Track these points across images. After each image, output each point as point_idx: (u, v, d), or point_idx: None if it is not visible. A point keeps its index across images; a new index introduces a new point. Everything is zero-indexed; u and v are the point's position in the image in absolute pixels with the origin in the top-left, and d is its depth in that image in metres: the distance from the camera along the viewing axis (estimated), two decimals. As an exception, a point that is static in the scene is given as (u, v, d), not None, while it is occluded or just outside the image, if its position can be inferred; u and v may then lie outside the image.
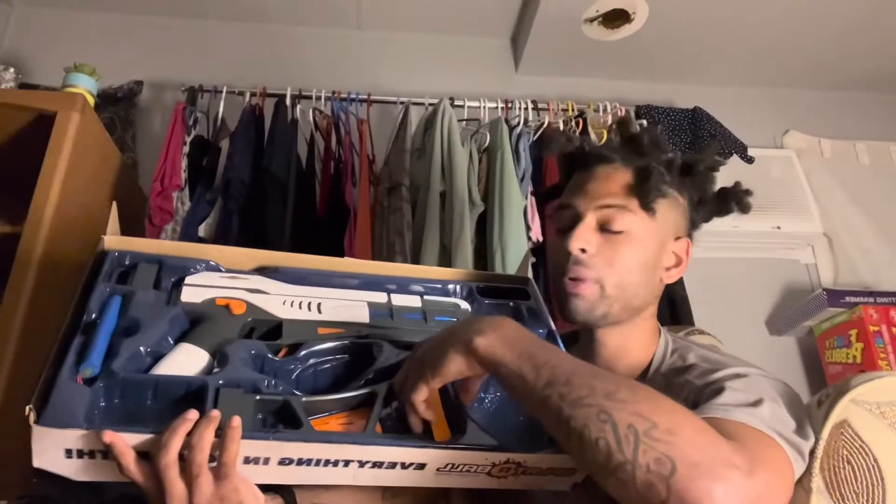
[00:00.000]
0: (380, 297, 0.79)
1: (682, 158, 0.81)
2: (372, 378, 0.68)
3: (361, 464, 0.60)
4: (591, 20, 1.97)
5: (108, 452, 0.55)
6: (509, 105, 1.85)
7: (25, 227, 1.19)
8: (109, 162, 1.49)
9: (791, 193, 2.04)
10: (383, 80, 2.07)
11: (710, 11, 1.93)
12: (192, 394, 0.61)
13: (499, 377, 0.59)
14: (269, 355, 0.67)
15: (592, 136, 1.82)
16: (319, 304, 0.75)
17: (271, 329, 0.72)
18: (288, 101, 1.75)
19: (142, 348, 0.63)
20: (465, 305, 0.84)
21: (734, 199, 0.83)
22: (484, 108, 1.85)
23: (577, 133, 1.80)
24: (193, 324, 0.69)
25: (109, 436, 0.54)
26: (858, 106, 2.35)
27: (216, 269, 0.77)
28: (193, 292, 0.71)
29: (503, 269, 1.50)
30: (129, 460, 0.55)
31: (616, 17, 1.96)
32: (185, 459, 0.55)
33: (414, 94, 1.85)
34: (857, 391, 0.67)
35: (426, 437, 0.63)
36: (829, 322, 1.78)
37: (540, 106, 1.87)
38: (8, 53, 1.99)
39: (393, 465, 0.61)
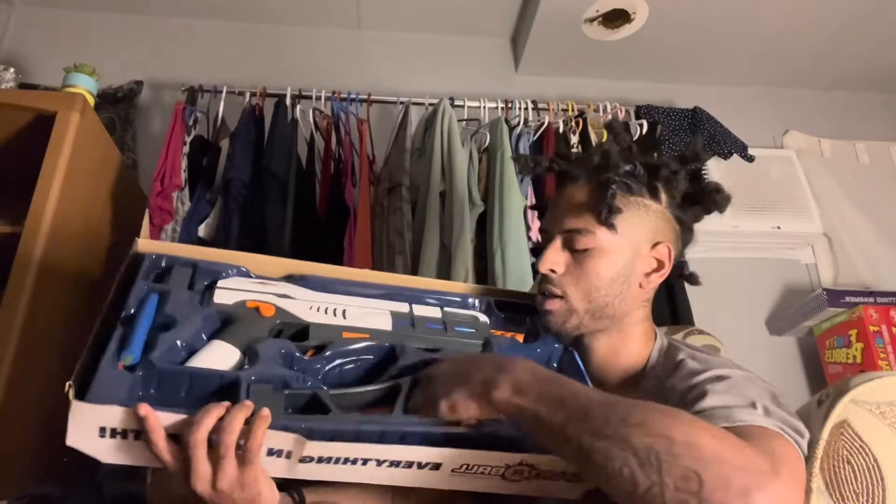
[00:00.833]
0: (401, 307, 0.82)
1: (643, 166, 0.82)
2: (396, 374, 0.71)
3: (379, 462, 0.61)
4: (591, 20, 1.97)
5: (140, 433, 0.56)
6: (509, 105, 1.85)
7: (25, 227, 1.19)
8: (109, 162, 1.49)
9: (791, 193, 2.04)
10: (383, 80, 2.07)
11: (710, 11, 1.93)
12: (224, 387, 0.63)
13: (519, 423, 0.61)
14: (297, 354, 0.70)
15: (592, 136, 1.82)
16: (345, 311, 0.78)
17: (298, 332, 0.74)
18: (288, 101, 1.75)
19: (178, 342, 0.66)
20: (483, 318, 0.86)
21: (707, 199, 0.84)
22: (484, 108, 1.85)
23: (577, 133, 1.81)
24: (224, 324, 0.72)
25: (145, 409, 0.55)
26: (858, 106, 2.35)
27: (246, 274, 0.80)
28: (225, 294, 0.74)
29: (503, 269, 1.50)
30: (160, 437, 0.56)
31: (616, 17, 1.96)
32: (212, 443, 0.56)
33: (414, 94, 1.85)
34: (857, 391, 0.67)
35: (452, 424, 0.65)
36: (829, 322, 1.78)
37: (540, 106, 1.87)
38: (8, 53, 1.99)
39: (409, 465, 0.62)
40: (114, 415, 0.56)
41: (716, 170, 2.01)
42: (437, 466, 0.63)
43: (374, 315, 0.79)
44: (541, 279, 0.84)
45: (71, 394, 0.56)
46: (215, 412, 0.57)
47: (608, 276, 0.80)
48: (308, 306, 0.76)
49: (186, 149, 1.64)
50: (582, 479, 0.67)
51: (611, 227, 0.78)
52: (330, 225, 1.63)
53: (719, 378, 0.68)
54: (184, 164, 1.61)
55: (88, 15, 2.10)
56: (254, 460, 0.57)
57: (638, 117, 1.93)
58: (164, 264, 0.77)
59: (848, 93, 2.37)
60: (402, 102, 1.83)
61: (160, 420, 0.56)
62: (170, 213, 1.55)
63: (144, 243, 0.76)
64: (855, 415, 0.66)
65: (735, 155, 1.95)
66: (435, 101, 1.80)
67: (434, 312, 0.83)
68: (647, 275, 0.82)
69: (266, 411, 0.57)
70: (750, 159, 1.95)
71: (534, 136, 1.80)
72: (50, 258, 1.21)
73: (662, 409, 0.56)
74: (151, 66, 2.02)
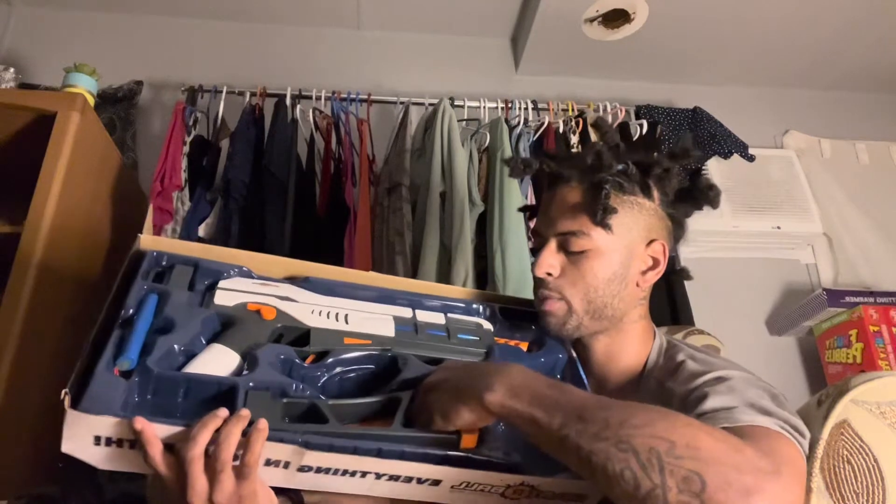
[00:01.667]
0: (405, 312, 0.81)
1: (636, 164, 0.82)
2: (397, 388, 0.70)
3: (378, 476, 0.61)
4: (591, 20, 1.97)
5: (135, 442, 0.56)
6: (509, 105, 1.85)
7: (25, 227, 1.19)
8: (109, 162, 1.49)
9: (791, 193, 2.04)
10: (383, 80, 2.07)
11: (710, 11, 1.93)
12: (222, 394, 0.62)
13: (515, 426, 0.61)
14: (297, 360, 0.69)
15: (592, 136, 1.82)
16: (347, 315, 0.77)
17: (299, 336, 0.73)
18: (288, 101, 1.75)
19: (176, 346, 0.65)
20: (487, 325, 0.85)
21: (699, 195, 0.85)
22: (484, 108, 1.85)
23: (577, 133, 1.81)
24: (225, 326, 0.71)
25: (140, 422, 0.55)
26: (858, 106, 2.35)
27: (248, 274, 0.79)
28: (226, 296, 0.73)
29: (503, 269, 1.50)
30: (156, 450, 0.56)
31: (616, 17, 1.96)
32: (210, 455, 0.56)
33: (414, 94, 1.85)
34: (857, 391, 0.67)
35: (453, 440, 0.64)
36: (829, 322, 1.78)
37: (540, 106, 1.87)
38: (8, 53, 1.99)
39: (409, 480, 0.62)
40: (108, 425, 0.55)
41: (716, 170, 2.01)
42: (436, 483, 0.62)
43: (376, 320, 0.78)
44: (537, 283, 0.83)
45: (66, 402, 0.55)
46: (211, 425, 0.56)
47: (605, 277, 0.80)
48: (310, 310, 0.75)
49: (186, 149, 1.64)
50: (581, 499, 0.67)
51: (606, 227, 0.78)
52: (330, 225, 1.63)
53: (719, 380, 0.68)
54: (184, 164, 1.61)
55: (88, 15, 2.10)
56: (251, 474, 0.56)
57: (638, 117, 1.92)
58: (164, 262, 0.76)
59: (848, 93, 2.37)
60: (402, 102, 1.83)
61: (156, 432, 0.56)
62: (170, 213, 1.55)
63: (147, 239, 0.75)
64: (855, 415, 0.66)
65: (735, 155, 1.95)
66: (435, 101, 1.79)
67: (437, 318, 0.82)
68: (643, 273, 0.82)
69: (263, 423, 0.56)
70: (750, 159, 1.95)
71: (534, 136, 1.80)
72: (50, 258, 1.21)
73: (662, 412, 0.55)
74: (151, 66, 2.02)
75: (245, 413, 0.57)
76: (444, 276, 1.55)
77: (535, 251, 0.84)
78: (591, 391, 0.78)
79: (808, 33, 2.05)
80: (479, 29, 2.22)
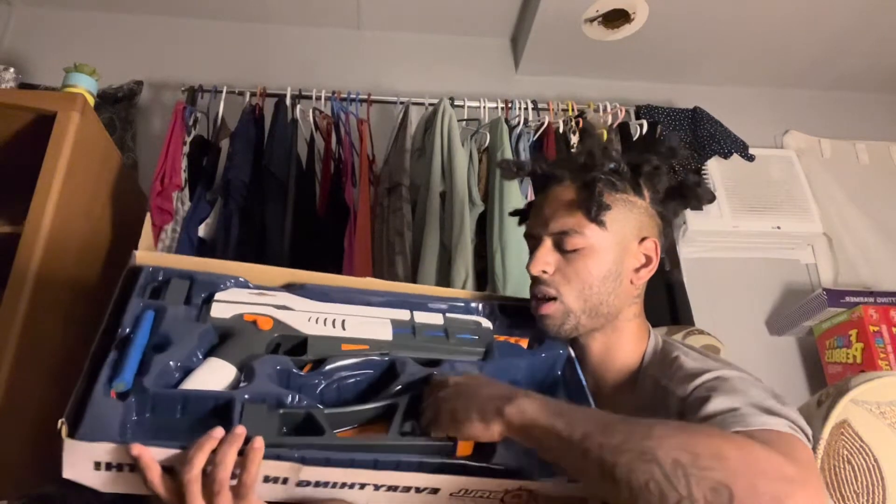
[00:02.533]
0: (402, 315, 0.81)
1: (627, 163, 0.83)
2: (395, 393, 0.70)
3: (377, 487, 0.61)
4: (591, 20, 1.97)
5: (134, 465, 0.56)
6: (509, 105, 1.85)
7: (25, 227, 1.19)
8: (109, 162, 1.49)
9: (791, 193, 2.04)
10: (383, 80, 2.07)
11: (710, 11, 1.93)
12: (219, 408, 0.62)
13: (535, 438, 0.60)
14: (294, 370, 0.69)
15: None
16: (343, 321, 0.77)
17: (297, 345, 0.74)
18: (288, 101, 1.75)
19: (172, 363, 0.65)
20: (486, 323, 0.85)
21: (687, 192, 0.85)
22: (484, 108, 1.85)
23: (577, 133, 1.81)
24: (222, 338, 0.71)
25: (137, 449, 0.55)
26: (858, 106, 2.35)
27: (245, 285, 0.79)
28: (223, 308, 0.73)
29: (503, 269, 1.50)
30: (155, 474, 0.56)
31: (616, 17, 1.96)
32: (207, 476, 0.56)
33: (414, 94, 1.85)
34: (857, 391, 0.67)
35: (449, 447, 0.65)
36: (829, 322, 1.78)
37: (540, 106, 1.87)
38: (8, 53, 1.99)
39: (407, 489, 0.62)
40: (106, 451, 0.56)
41: (716, 170, 2.01)
42: (435, 491, 0.63)
43: (373, 324, 0.78)
44: (532, 282, 0.84)
45: (64, 431, 0.55)
46: (207, 447, 0.56)
47: (600, 274, 0.80)
48: (307, 317, 0.76)
49: (186, 149, 1.64)
50: None
51: (601, 223, 0.79)
52: (330, 225, 1.63)
53: (719, 380, 0.68)
54: (184, 164, 1.61)
55: (88, 15, 2.10)
56: (249, 494, 0.57)
57: (638, 117, 1.92)
58: (160, 277, 0.76)
59: (848, 93, 2.37)
60: (402, 102, 1.83)
61: (154, 456, 0.56)
62: (170, 213, 1.55)
63: (142, 255, 0.76)
64: (855, 415, 0.66)
65: (735, 155, 1.95)
66: (435, 101, 1.79)
67: (436, 319, 0.82)
68: (637, 270, 0.83)
69: (259, 442, 0.56)
70: (750, 159, 1.95)
71: (534, 136, 1.80)
72: (50, 258, 1.21)
73: (683, 425, 0.57)
74: (151, 66, 2.02)
75: (240, 431, 0.57)
76: (444, 276, 1.55)
77: (531, 252, 0.85)
78: (588, 390, 0.79)
79: (808, 33, 2.05)
80: (479, 29, 2.22)
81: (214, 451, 0.56)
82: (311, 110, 1.76)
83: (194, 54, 2.08)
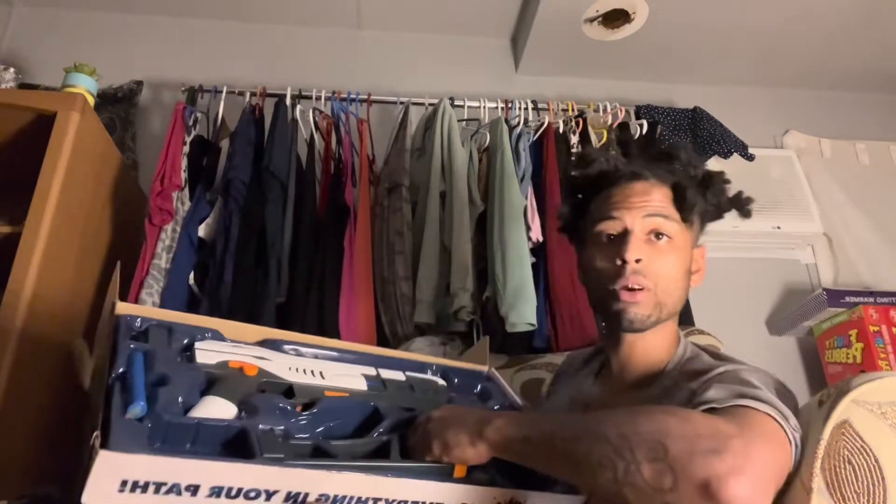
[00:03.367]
0: (369, 371, 0.87)
1: (701, 173, 0.86)
2: (383, 433, 0.74)
3: (388, 502, 0.64)
4: (591, 20, 1.97)
5: (161, 486, 0.55)
6: (509, 105, 1.85)
7: (25, 227, 1.19)
8: (109, 162, 1.49)
9: (791, 193, 2.04)
10: (383, 80, 2.07)
11: (710, 12, 1.93)
12: (231, 438, 0.63)
13: (514, 451, 0.67)
14: (290, 408, 0.72)
15: (592, 136, 1.82)
16: (321, 372, 0.81)
17: (282, 392, 0.76)
18: (288, 101, 1.75)
19: (178, 397, 0.66)
20: (441, 382, 0.93)
21: (738, 207, 0.89)
22: (484, 108, 1.85)
23: (577, 133, 1.81)
24: (210, 384, 0.72)
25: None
26: (858, 106, 2.35)
27: (221, 338, 0.81)
28: (207, 355, 0.75)
29: (503, 269, 1.50)
30: None
31: (616, 17, 1.96)
32: None
33: (414, 94, 1.85)
34: (858, 391, 0.67)
35: (448, 468, 0.70)
36: (829, 322, 1.78)
37: (540, 106, 1.87)
38: (8, 53, 1.99)
39: None
40: (141, 466, 0.54)
41: (716, 170, 2.00)
42: None
43: (348, 377, 0.82)
44: (619, 271, 0.80)
45: (97, 443, 0.53)
46: None
47: (682, 270, 0.82)
48: (287, 367, 0.78)
49: (186, 149, 1.64)
50: None
51: (690, 223, 0.82)
52: (330, 225, 1.63)
53: (724, 373, 0.71)
54: (184, 164, 1.61)
55: (88, 15, 2.10)
56: None
57: (638, 117, 1.92)
58: (138, 325, 0.77)
59: (848, 93, 2.37)
60: (402, 102, 1.83)
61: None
62: (170, 213, 1.55)
63: (122, 306, 0.77)
64: (856, 415, 0.66)
65: (735, 155, 1.95)
66: (435, 101, 1.79)
67: (398, 376, 0.88)
68: (693, 275, 0.85)
69: None
70: (750, 159, 1.94)
71: (534, 136, 1.80)
72: (50, 258, 1.21)
73: (632, 408, 0.63)
74: (151, 66, 2.02)
75: None
76: (444, 275, 1.55)
77: (610, 237, 0.83)
78: (605, 391, 0.84)
79: (808, 33, 2.05)
80: (479, 29, 2.22)
81: None
82: (311, 110, 1.76)
83: (194, 54, 2.08)
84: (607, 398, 0.85)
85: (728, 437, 0.54)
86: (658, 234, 0.81)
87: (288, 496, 0.60)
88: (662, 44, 2.08)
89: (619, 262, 0.80)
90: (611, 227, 0.83)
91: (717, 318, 1.75)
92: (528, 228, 1.62)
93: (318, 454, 0.66)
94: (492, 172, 1.68)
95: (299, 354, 0.85)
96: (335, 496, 0.61)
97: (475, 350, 1.08)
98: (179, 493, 0.56)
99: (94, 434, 0.54)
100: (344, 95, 1.79)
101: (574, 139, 1.80)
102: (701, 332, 1.52)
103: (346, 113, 1.76)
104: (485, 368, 1.01)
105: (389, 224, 1.62)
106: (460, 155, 1.68)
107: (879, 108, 2.36)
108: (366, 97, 1.82)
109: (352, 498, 0.62)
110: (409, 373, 0.90)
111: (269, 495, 0.59)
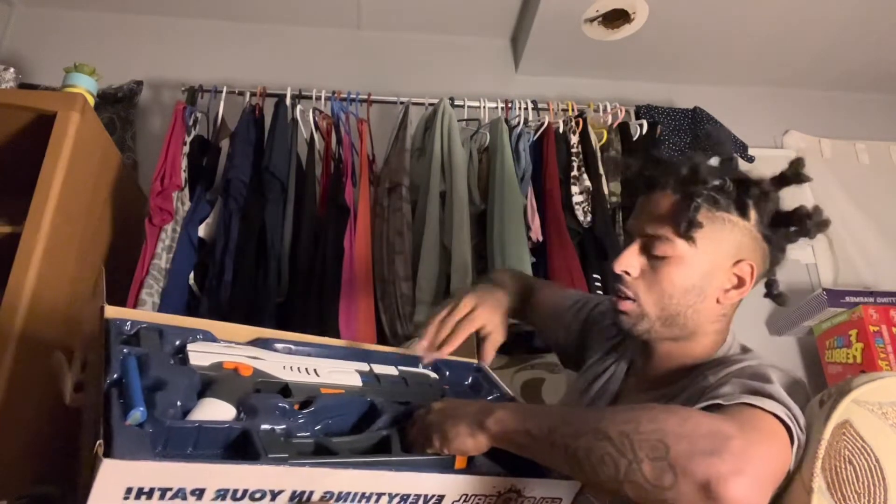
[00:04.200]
0: (362, 367, 0.87)
1: (734, 182, 0.82)
2: (382, 427, 0.75)
3: (391, 497, 0.64)
4: (591, 20, 1.97)
5: (166, 491, 0.55)
6: (509, 105, 1.85)
7: (25, 227, 1.19)
8: (109, 162, 1.49)
9: (791, 193, 2.04)
10: (383, 80, 2.07)
11: (710, 11, 1.93)
12: (232, 440, 0.63)
13: (514, 443, 0.67)
14: (288, 408, 0.71)
15: (592, 136, 1.82)
16: (316, 369, 0.81)
17: (278, 391, 0.75)
18: (288, 101, 1.75)
19: (175, 401, 0.65)
20: (434, 375, 0.94)
21: (797, 223, 0.86)
22: (484, 108, 1.85)
23: (577, 133, 1.81)
24: (204, 386, 0.71)
25: None
26: (858, 106, 2.35)
27: (212, 339, 0.81)
28: (200, 357, 0.74)
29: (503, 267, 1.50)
30: None
31: (616, 17, 1.96)
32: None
33: (414, 94, 1.85)
34: (858, 391, 0.67)
35: (449, 460, 0.71)
36: (829, 322, 1.78)
37: (540, 106, 1.87)
38: (8, 53, 1.99)
39: (417, 499, 0.66)
40: (146, 473, 0.53)
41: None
42: (440, 499, 0.67)
43: (342, 373, 0.82)
44: (614, 278, 0.84)
45: (100, 452, 0.52)
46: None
47: (682, 286, 0.80)
48: (281, 365, 0.78)
49: (186, 149, 1.64)
50: (558, 501, 0.73)
51: (689, 240, 0.78)
52: (330, 225, 1.63)
53: (743, 368, 0.72)
54: (184, 164, 1.61)
55: (88, 15, 2.10)
56: None
57: (638, 117, 1.92)
58: (128, 328, 0.77)
59: (848, 93, 2.37)
60: (402, 102, 1.83)
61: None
62: (170, 213, 1.55)
63: (111, 310, 0.76)
64: (857, 415, 0.66)
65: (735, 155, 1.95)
66: (435, 101, 1.79)
67: (391, 370, 0.88)
68: (726, 291, 0.82)
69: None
70: (750, 159, 1.95)
71: (534, 136, 1.80)
72: (50, 258, 1.21)
73: (634, 406, 0.64)
74: (151, 66, 2.02)
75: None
76: (444, 275, 1.55)
77: (623, 249, 0.85)
78: (632, 384, 0.86)
79: (808, 33, 2.05)
80: (479, 29, 2.22)
81: None
82: (311, 110, 1.76)
83: (194, 54, 2.08)
84: (632, 395, 0.86)
85: (728, 437, 0.54)
86: (652, 252, 0.81)
87: (293, 495, 0.60)
88: (662, 44, 2.08)
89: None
90: (626, 239, 0.88)
91: (718, 318, 1.75)
92: (528, 228, 1.62)
93: (320, 452, 0.66)
94: (492, 172, 1.68)
95: (291, 353, 0.85)
96: (339, 493, 0.61)
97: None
98: (185, 498, 0.55)
99: (98, 442, 0.53)
100: (344, 95, 1.79)
101: (574, 139, 1.80)
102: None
103: (346, 113, 1.76)
104: (474, 361, 1.02)
105: (389, 224, 1.62)
106: (460, 155, 1.68)
107: (879, 108, 2.36)
108: (366, 97, 1.82)
109: (356, 494, 0.62)
110: (400, 367, 0.91)
111: (275, 495, 0.59)
